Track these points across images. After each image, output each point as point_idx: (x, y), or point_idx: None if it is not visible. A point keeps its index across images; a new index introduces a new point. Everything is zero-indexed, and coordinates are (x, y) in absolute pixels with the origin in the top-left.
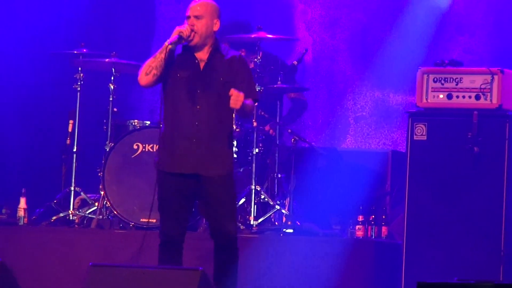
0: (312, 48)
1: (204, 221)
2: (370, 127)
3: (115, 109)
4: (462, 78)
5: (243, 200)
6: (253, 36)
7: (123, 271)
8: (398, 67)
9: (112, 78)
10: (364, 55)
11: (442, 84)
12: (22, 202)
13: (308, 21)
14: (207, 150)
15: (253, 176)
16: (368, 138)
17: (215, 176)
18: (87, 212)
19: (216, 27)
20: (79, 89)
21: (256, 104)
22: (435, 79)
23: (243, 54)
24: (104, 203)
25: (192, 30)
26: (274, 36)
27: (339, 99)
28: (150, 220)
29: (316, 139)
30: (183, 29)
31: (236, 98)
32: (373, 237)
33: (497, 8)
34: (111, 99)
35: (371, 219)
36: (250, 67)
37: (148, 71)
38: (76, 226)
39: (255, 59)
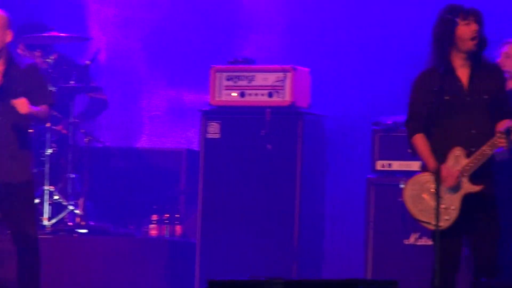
0: (106, 48)
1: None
2: (164, 126)
3: None
4: (254, 76)
5: (37, 201)
6: (45, 35)
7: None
8: (192, 66)
9: None
10: (158, 54)
11: (235, 82)
12: None
13: (101, 20)
14: (6, 157)
15: (47, 177)
16: (163, 137)
17: (15, 182)
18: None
19: (8, 38)
20: None
21: (50, 106)
22: (228, 77)
23: (38, 55)
24: None
25: None
26: (66, 35)
27: (134, 98)
28: None
29: (112, 138)
30: None
31: (20, 105)
32: (167, 236)
33: (289, 6)
34: None
35: (165, 218)
36: (44, 67)
37: None
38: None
39: (48, 60)
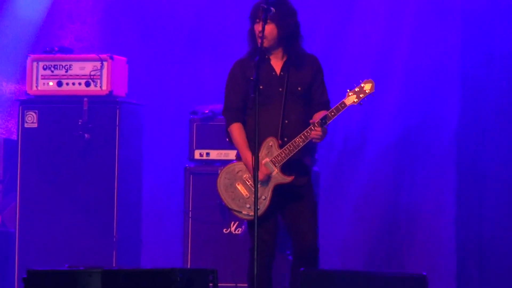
0: None
1: None
2: None
3: None
4: (72, 65)
5: None
6: None
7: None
8: (11, 55)
9: None
10: None
11: (52, 72)
12: None
13: None
14: None
15: None
16: None
17: None
18: None
19: None
20: None
21: None
22: (45, 67)
23: None
24: None
25: None
26: None
27: None
28: None
29: None
30: None
31: None
32: None
33: None
34: None
35: None
36: None
37: None
38: None
39: None
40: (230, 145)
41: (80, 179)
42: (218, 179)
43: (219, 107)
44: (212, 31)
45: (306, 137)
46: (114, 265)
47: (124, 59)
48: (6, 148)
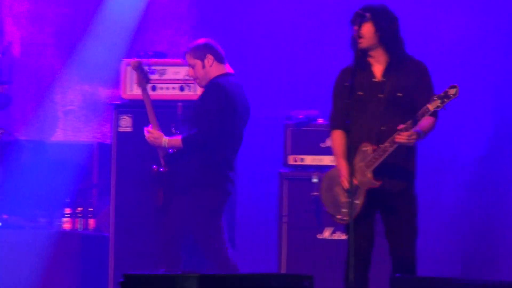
0: (20, 43)
1: None
2: (79, 120)
3: None
4: (166, 69)
5: None
6: None
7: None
8: (106, 61)
9: None
10: (72, 49)
11: None
12: None
13: (14, 15)
14: None
15: None
16: (77, 131)
17: None
18: None
19: None
20: None
21: None
22: None
23: None
24: None
25: None
26: None
27: (48, 93)
28: None
29: (26, 132)
30: None
31: None
32: (81, 229)
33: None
34: None
35: (78, 211)
36: None
37: None
38: None
39: None
40: (325, 151)
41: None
42: (321, 183)
43: (314, 112)
44: (308, 37)
45: (393, 141)
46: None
47: None
48: (101, 152)
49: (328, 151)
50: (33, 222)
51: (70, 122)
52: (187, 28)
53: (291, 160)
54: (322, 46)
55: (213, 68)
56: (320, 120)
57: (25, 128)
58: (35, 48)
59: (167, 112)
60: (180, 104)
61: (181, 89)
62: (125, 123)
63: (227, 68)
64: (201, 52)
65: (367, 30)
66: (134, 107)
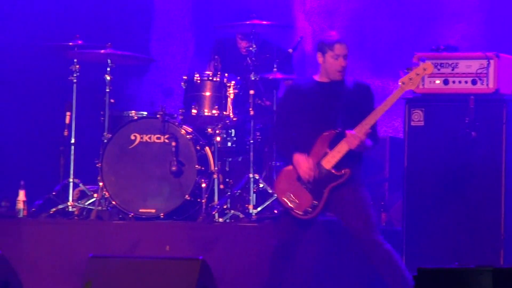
0: (312, 38)
1: (203, 211)
2: None
3: (112, 100)
4: (458, 63)
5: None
6: (247, 23)
7: (122, 262)
8: (395, 55)
9: (108, 69)
10: (361, 43)
11: (438, 70)
12: (21, 195)
13: (307, 10)
14: None
15: (251, 164)
16: None
17: None
18: (86, 204)
19: None
20: (75, 80)
21: None
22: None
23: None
24: (103, 194)
25: None
26: (267, 23)
27: None
28: (149, 211)
29: None
30: None
31: None
32: None
33: None
34: (107, 90)
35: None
36: (243, 54)
37: None
38: (75, 217)
39: (251, 48)
40: None
41: (465, 177)
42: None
43: None
44: None
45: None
46: (501, 264)
47: (510, 57)
48: (392, 146)
49: None
50: None
51: None
52: (479, 21)
53: None
54: None
55: None
56: None
57: None
58: None
59: (459, 106)
60: (472, 97)
61: (473, 82)
62: (417, 117)
63: None
64: None
65: None
66: (426, 102)
